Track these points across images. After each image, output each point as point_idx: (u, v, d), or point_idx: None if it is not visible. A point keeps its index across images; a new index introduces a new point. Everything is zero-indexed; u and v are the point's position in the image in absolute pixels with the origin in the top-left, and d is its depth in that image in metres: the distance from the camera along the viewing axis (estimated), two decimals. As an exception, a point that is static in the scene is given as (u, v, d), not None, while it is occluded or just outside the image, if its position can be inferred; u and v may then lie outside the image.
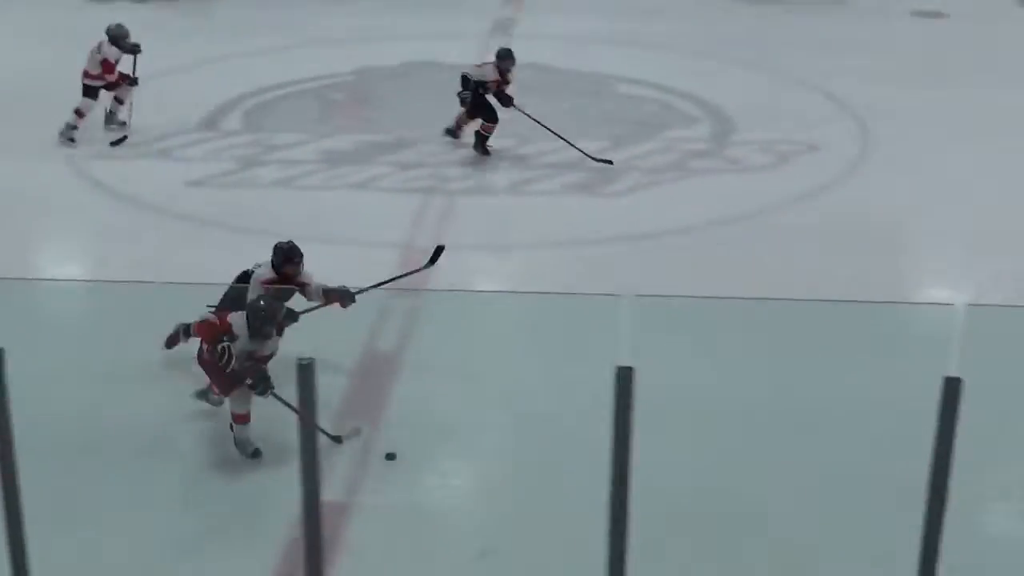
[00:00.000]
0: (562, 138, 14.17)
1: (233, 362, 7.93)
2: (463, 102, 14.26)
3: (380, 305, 10.27)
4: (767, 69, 17.85)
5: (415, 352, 9.01)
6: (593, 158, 14.03)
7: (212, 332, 8.07)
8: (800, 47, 19.06)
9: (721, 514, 7.75)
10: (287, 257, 8.80)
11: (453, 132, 14.75)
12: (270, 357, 8.15)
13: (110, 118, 14.91)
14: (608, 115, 16.00)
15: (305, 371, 3.76)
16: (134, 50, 14.44)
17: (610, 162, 14.04)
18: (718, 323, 10.15)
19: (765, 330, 10.10)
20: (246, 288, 8.75)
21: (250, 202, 13.09)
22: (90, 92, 14.46)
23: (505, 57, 14.18)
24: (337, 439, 8.19)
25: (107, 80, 14.45)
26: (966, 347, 3.96)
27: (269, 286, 8.71)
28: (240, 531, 7.64)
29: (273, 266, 8.82)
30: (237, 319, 8.05)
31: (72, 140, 14.43)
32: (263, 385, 8.05)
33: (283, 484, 7.15)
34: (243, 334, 8.01)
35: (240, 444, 8.30)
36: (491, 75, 14.13)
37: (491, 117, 14.20)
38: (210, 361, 8.11)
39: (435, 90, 16.40)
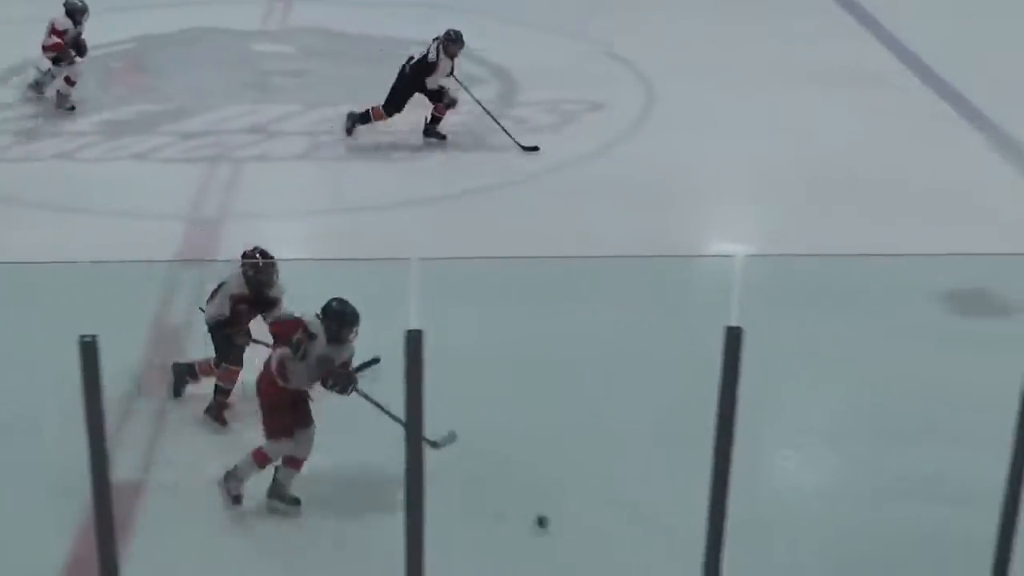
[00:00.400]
0: (496, 121, 13.63)
1: (308, 357, 7.43)
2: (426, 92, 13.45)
3: (166, 276, 10.08)
4: (550, 29, 17.94)
5: (203, 325, 8.80)
6: (521, 146, 13.50)
7: (292, 329, 7.48)
8: (583, 6, 19.18)
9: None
10: (262, 269, 8.34)
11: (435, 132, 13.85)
12: (348, 363, 7.62)
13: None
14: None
15: (87, 349, 3.63)
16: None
17: (536, 148, 13.47)
18: (505, 284, 10.19)
19: (549, 288, 10.17)
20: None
21: (34, 176, 12.68)
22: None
23: (455, 40, 13.42)
24: (435, 444, 7.43)
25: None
26: (746, 297, 4.01)
27: (241, 303, 8.32)
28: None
29: (247, 279, 8.36)
30: (313, 321, 7.51)
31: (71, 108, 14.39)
32: (348, 383, 7.52)
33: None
34: (321, 339, 7.52)
35: (280, 490, 7.68)
36: (434, 57, 13.32)
37: (439, 98, 13.52)
38: (271, 396, 7.56)
39: (218, 57, 16.08)
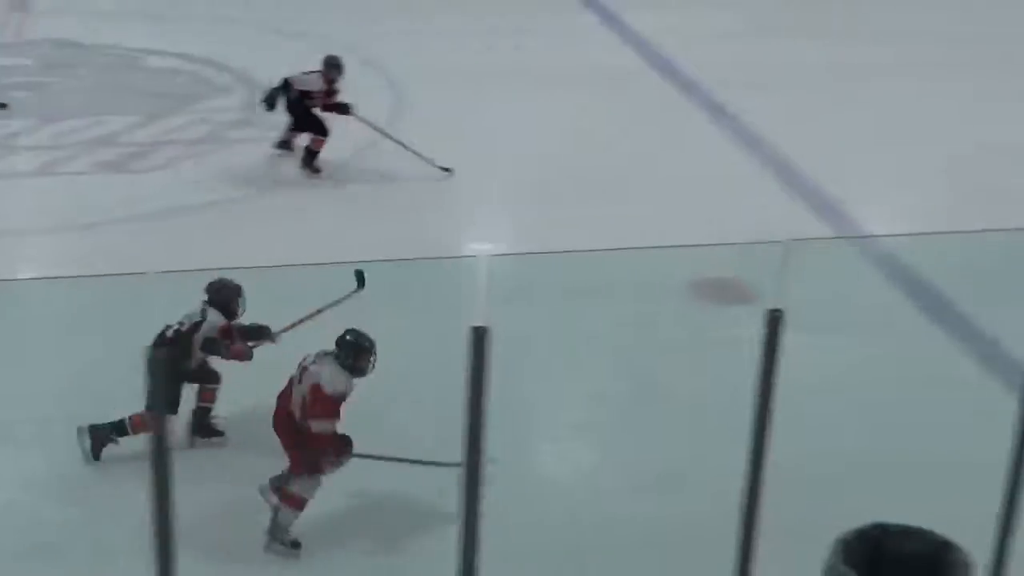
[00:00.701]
0: (405, 146, 12.94)
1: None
2: (291, 115, 12.91)
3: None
4: (302, 35, 17.77)
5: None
6: (435, 165, 12.90)
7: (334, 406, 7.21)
8: (336, 12, 19.04)
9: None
10: (236, 294, 8.21)
11: (285, 144, 13.35)
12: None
13: None
14: (140, 89, 15.52)
15: None
16: None
17: (449, 170, 12.87)
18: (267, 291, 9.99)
19: (297, 294, 10.00)
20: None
21: None
22: None
23: (333, 65, 12.88)
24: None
25: None
26: (498, 296, 4.02)
27: (232, 331, 8.15)
28: None
29: (222, 309, 8.15)
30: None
31: None
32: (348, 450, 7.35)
33: None
34: (341, 379, 7.22)
35: (280, 530, 7.37)
36: (316, 85, 12.78)
37: (320, 130, 12.89)
38: (294, 434, 7.30)
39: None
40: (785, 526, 5.16)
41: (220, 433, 8.42)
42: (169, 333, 8.08)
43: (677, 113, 15.18)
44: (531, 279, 10.48)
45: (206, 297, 8.21)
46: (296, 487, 7.32)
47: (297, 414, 7.27)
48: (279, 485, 7.39)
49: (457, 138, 13.89)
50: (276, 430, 7.40)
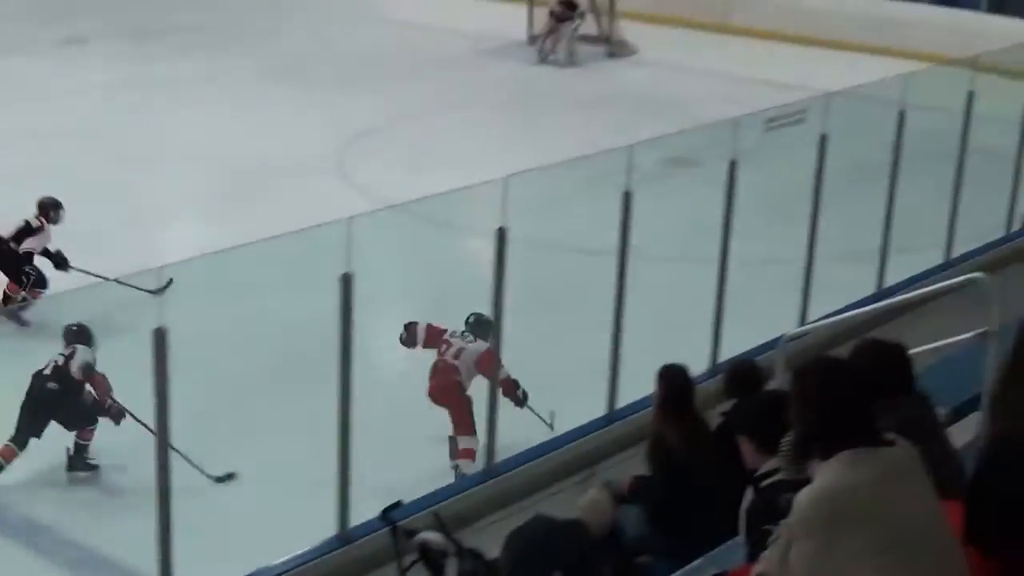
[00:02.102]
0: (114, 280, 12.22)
1: None
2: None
3: None
4: None
5: None
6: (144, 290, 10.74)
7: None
8: None
9: None
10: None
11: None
12: None
13: None
14: None
15: None
16: None
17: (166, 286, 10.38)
18: None
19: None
20: None
21: None
22: None
23: (51, 206, 12.32)
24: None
25: None
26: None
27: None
28: None
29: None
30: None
31: None
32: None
33: None
34: None
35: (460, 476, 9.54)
36: (34, 224, 12.23)
37: (39, 282, 12.22)
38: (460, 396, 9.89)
39: None
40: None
41: (94, 467, 9.69)
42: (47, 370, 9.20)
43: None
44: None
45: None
46: (464, 442, 9.63)
47: (467, 383, 9.76)
48: (454, 448, 9.72)
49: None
50: (441, 402, 9.79)
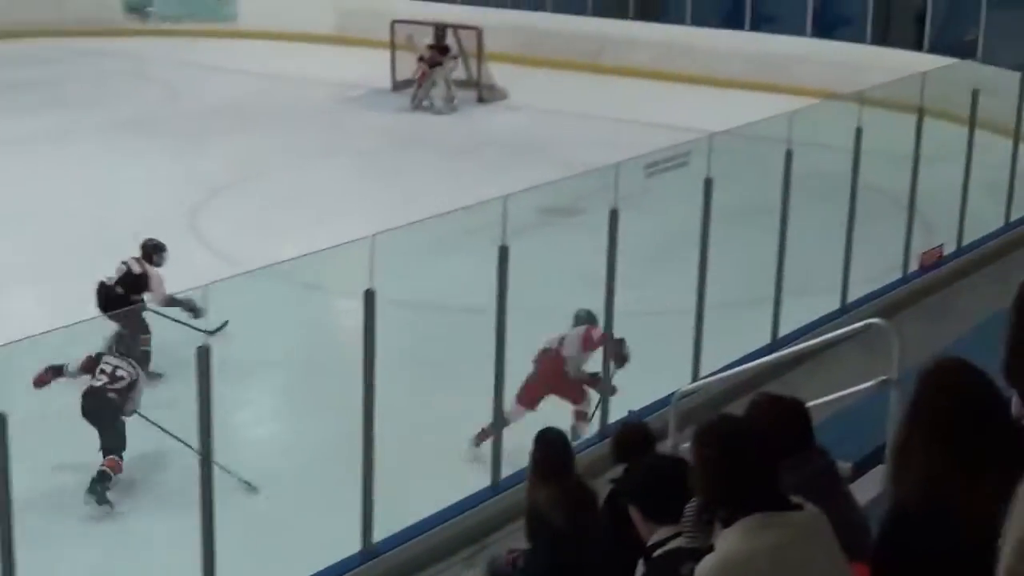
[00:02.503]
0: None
1: None
2: None
3: None
4: None
5: None
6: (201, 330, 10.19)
7: None
8: None
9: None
10: None
11: None
12: None
13: None
14: None
15: None
16: None
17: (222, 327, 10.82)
18: None
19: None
20: None
21: None
22: None
23: (152, 249, 12.68)
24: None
25: None
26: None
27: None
28: None
29: None
30: None
31: None
32: None
33: None
34: None
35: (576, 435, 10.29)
36: (135, 269, 12.50)
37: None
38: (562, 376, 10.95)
39: None
40: None
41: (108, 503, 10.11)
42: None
43: None
44: None
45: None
46: (584, 406, 10.88)
47: (571, 371, 10.87)
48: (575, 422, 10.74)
49: None
50: (553, 390, 10.83)
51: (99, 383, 10.25)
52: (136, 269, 12.42)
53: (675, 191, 11.74)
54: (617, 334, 10.59)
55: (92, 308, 11.57)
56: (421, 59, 23.80)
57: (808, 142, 12.10)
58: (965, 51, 21.76)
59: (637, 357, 10.83)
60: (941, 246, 14.00)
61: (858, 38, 24.66)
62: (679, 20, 26.53)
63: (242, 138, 20.95)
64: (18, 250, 15.47)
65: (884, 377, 7.79)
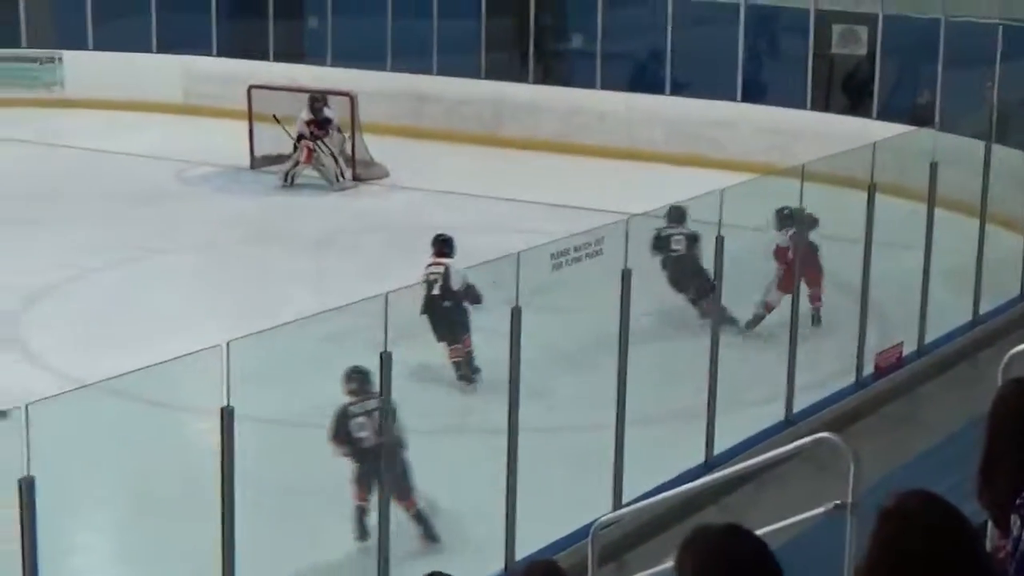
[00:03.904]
0: None
1: None
2: None
3: None
4: None
5: None
6: None
7: None
8: None
9: None
10: None
11: None
12: None
13: None
14: None
15: None
16: None
17: None
18: None
19: None
20: None
21: None
22: None
23: (444, 243, 15.19)
24: None
25: None
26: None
27: None
28: None
29: None
30: None
31: None
32: None
33: None
34: None
35: None
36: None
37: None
38: None
39: None
40: None
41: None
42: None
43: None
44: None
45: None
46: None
47: None
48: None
49: None
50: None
51: None
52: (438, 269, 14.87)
53: (587, 284, 11.82)
54: (522, 452, 10.56)
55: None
56: (301, 138, 23.75)
57: (741, 224, 12.24)
58: (920, 117, 22.17)
59: (545, 481, 10.82)
60: (900, 345, 14.18)
61: (796, 103, 25.00)
62: (588, 84, 26.75)
63: (68, 228, 20.74)
64: None
65: (838, 501, 7.83)
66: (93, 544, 11.48)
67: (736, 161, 22.66)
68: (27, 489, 7.52)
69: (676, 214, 14.93)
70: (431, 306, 14.34)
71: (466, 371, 13.95)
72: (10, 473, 7.68)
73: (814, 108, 24.96)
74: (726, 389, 12.15)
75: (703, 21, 26.59)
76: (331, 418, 11.00)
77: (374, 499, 10.48)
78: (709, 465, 11.72)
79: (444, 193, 23.17)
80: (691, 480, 10.58)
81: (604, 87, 26.54)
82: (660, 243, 14.93)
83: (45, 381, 13.77)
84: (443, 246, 15.07)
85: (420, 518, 10.99)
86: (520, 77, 27.40)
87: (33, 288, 18.12)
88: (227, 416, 8.38)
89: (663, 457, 11.63)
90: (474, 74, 27.58)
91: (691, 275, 14.57)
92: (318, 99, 24.09)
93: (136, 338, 14.99)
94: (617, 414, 11.28)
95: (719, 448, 11.98)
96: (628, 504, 10.70)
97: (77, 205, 22.21)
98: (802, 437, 9.47)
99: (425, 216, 21.80)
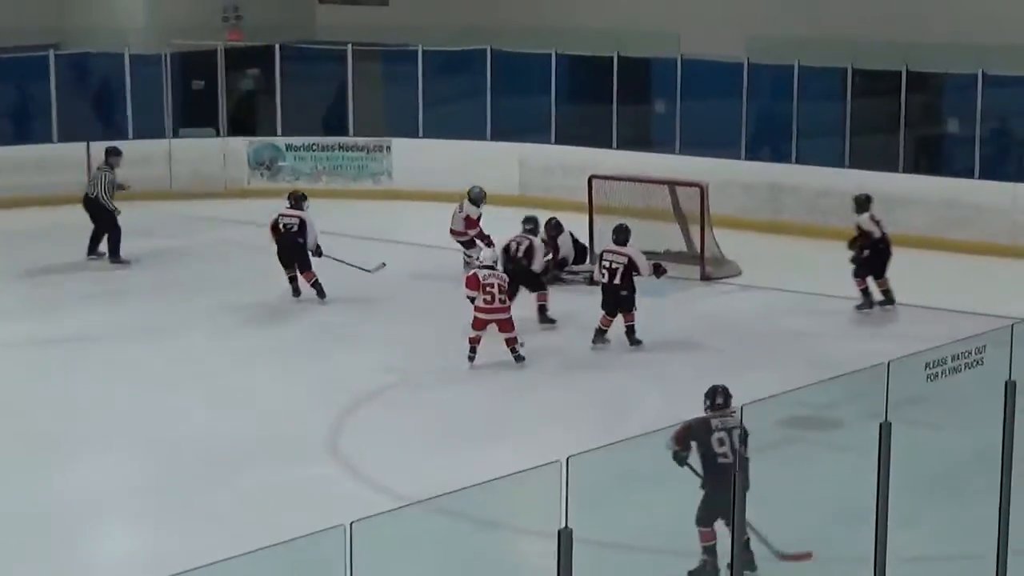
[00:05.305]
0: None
1: None
2: None
3: None
4: None
5: None
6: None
7: None
8: None
9: None
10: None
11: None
12: None
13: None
14: None
15: None
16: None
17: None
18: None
19: None
20: None
21: None
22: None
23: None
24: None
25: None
26: None
27: None
28: None
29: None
30: None
31: None
32: None
33: None
34: None
35: None
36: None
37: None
38: None
39: None
40: None
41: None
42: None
43: None
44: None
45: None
46: None
47: None
48: None
49: None
50: None
51: None
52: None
53: (962, 397, 11.58)
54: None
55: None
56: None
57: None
58: None
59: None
60: None
61: None
62: (965, 173, 26.35)
63: (395, 329, 21.12)
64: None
65: None
66: None
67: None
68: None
69: (1066, 318, 14.53)
70: None
71: None
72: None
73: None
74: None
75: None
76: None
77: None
78: None
79: (804, 295, 22.95)
80: None
81: (982, 176, 26.08)
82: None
83: (369, 495, 14.01)
84: None
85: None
86: (890, 165, 26.97)
87: (356, 394, 18.42)
88: (565, 538, 8.36)
89: None
90: (837, 162, 27.31)
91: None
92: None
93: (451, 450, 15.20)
94: (999, 542, 11.01)
95: None
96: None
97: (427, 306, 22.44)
98: None
99: (781, 321, 21.62)
